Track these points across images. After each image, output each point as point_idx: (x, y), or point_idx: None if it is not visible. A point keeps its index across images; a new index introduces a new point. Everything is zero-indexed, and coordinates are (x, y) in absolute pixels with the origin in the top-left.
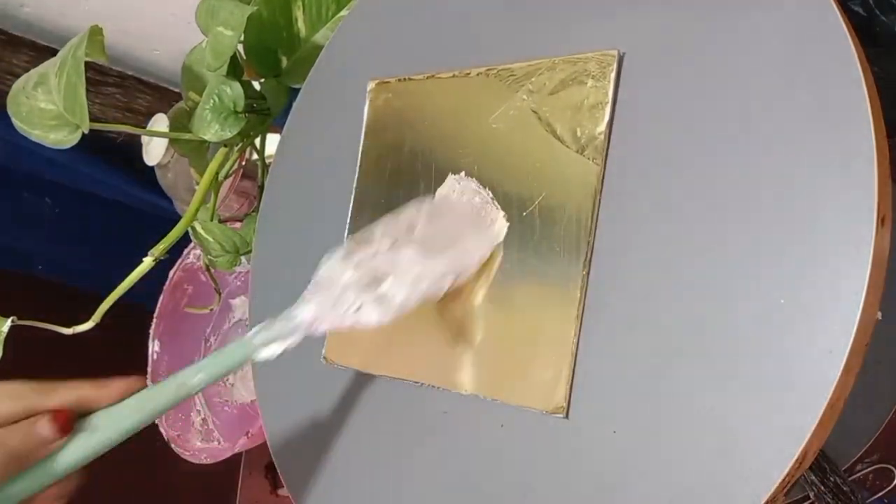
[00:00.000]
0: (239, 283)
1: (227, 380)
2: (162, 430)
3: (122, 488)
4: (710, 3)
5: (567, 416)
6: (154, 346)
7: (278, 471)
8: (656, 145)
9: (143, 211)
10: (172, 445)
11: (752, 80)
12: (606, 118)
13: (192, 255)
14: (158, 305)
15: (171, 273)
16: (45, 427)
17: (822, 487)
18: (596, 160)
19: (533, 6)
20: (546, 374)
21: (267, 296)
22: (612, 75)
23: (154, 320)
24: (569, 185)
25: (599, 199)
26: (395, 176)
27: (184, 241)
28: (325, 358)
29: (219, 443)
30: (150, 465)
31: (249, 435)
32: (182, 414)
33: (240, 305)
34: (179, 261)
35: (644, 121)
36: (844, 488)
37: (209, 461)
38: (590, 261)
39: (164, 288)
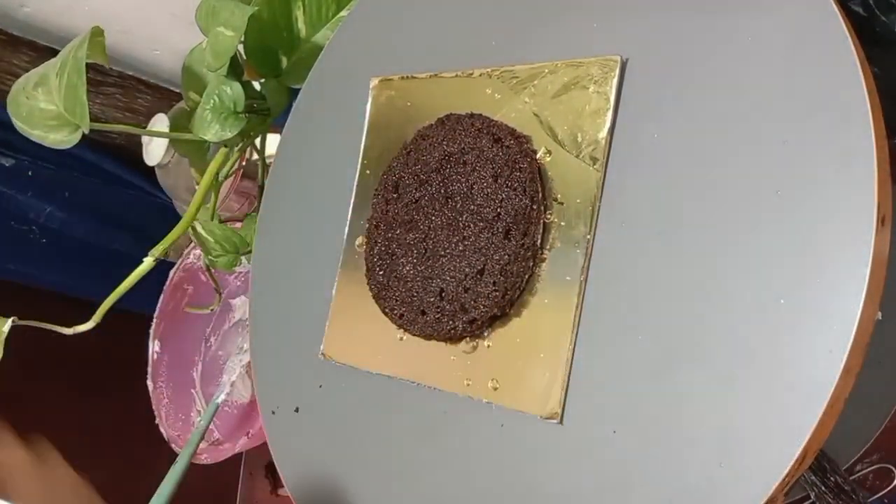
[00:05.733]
0: (239, 283)
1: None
2: (162, 429)
3: (121, 488)
4: (710, 7)
5: (561, 422)
6: (154, 347)
7: (278, 471)
8: (657, 150)
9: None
10: (172, 445)
11: (752, 82)
12: (608, 124)
13: (193, 255)
14: (159, 305)
15: (171, 273)
16: None
17: (823, 487)
18: (596, 166)
19: (535, 8)
20: (541, 379)
21: (267, 296)
22: (615, 81)
23: (154, 320)
24: (568, 190)
25: (599, 206)
26: None
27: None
28: (322, 354)
29: (219, 443)
30: (150, 464)
31: (250, 435)
32: (182, 414)
33: (240, 305)
34: (179, 261)
35: (645, 126)
36: (846, 488)
37: (209, 461)
38: (588, 267)
39: (164, 288)
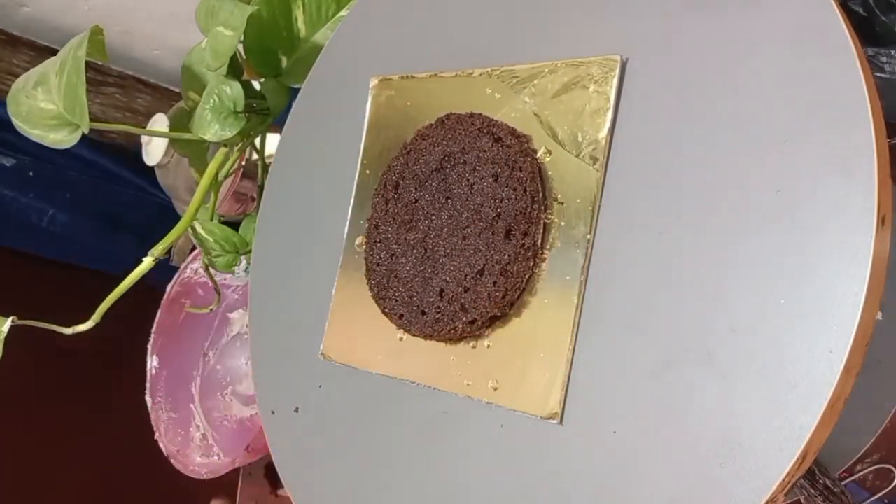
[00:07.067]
0: (237, 296)
1: (226, 393)
2: (162, 446)
3: (123, 487)
4: (710, 6)
5: (561, 423)
6: (153, 362)
7: (278, 471)
8: (657, 150)
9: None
10: (172, 461)
11: (752, 82)
12: (608, 124)
13: (190, 269)
14: (156, 321)
15: (168, 288)
16: None
17: (812, 490)
18: (596, 166)
19: (535, 8)
20: (541, 379)
21: (267, 296)
22: (615, 81)
23: (152, 336)
24: (568, 190)
25: (599, 206)
26: None
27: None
28: (322, 354)
29: (219, 458)
30: (150, 464)
31: (249, 449)
32: (181, 429)
33: (238, 319)
34: (177, 276)
35: (645, 126)
36: (835, 490)
37: (209, 477)
38: (588, 267)
39: (162, 304)
